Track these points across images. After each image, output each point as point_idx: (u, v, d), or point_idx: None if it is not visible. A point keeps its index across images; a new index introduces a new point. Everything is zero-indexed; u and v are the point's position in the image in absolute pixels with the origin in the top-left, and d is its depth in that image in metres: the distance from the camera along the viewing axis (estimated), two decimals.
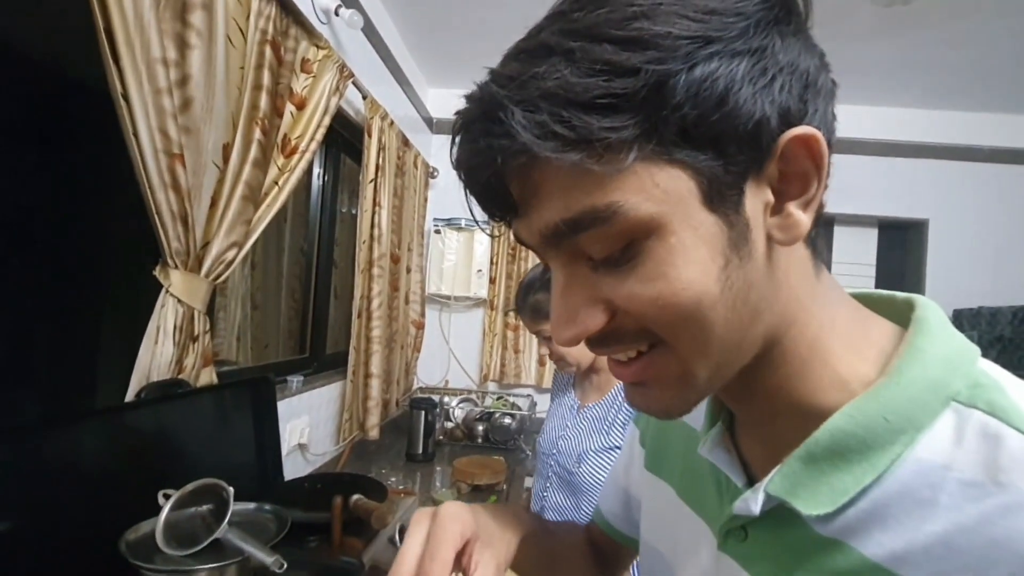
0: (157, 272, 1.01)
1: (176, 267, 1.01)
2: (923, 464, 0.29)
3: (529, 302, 1.20)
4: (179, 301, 1.03)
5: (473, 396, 2.78)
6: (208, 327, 1.12)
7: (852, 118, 2.71)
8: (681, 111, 0.26)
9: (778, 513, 0.32)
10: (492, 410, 2.53)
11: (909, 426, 0.29)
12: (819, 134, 0.28)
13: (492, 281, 2.81)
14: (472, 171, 0.31)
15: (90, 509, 0.83)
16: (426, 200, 2.72)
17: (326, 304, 2.03)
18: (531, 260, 2.79)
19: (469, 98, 0.30)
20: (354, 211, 2.28)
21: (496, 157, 0.28)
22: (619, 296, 0.29)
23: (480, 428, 2.50)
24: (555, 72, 0.26)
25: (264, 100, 1.19)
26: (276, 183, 1.30)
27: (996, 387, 0.30)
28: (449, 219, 2.77)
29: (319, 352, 2.00)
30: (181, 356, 1.05)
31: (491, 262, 2.80)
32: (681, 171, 0.27)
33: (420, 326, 2.63)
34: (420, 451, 2.19)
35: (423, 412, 2.19)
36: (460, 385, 2.86)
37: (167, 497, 0.79)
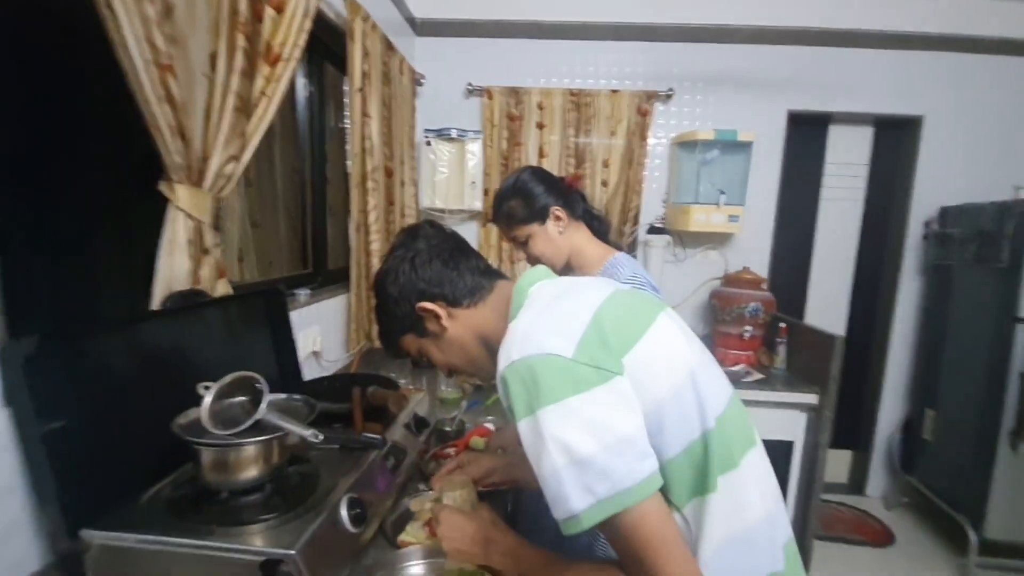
0: (162, 187, 1.04)
1: (180, 182, 1.04)
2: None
3: (503, 210, 1.25)
4: (188, 216, 1.07)
5: None
6: (218, 241, 1.17)
7: (847, 9, 2.59)
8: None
9: None
10: None
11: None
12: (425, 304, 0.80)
13: (486, 193, 2.81)
14: None
15: (136, 406, 0.92)
16: (414, 110, 2.66)
17: (323, 220, 2.06)
18: None
19: None
20: (342, 124, 2.24)
21: None
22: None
23: None
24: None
25: (243, 3, 1.15)
26: (264, 94, 1.28)
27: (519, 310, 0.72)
28: (439, 130, 2.71)
29: (321, 267, 2.06)
30: (196, 268, 1.11)
31: (484, 173, 2.79)
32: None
33: None
34: (420, 358, 2.32)
35: None
36: None
37: (207, 388, 0.88)
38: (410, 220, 2.56)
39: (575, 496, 0.55)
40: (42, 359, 0.76)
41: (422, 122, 2.74)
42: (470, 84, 2.78)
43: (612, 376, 0.58)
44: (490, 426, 1.59)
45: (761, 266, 2.83)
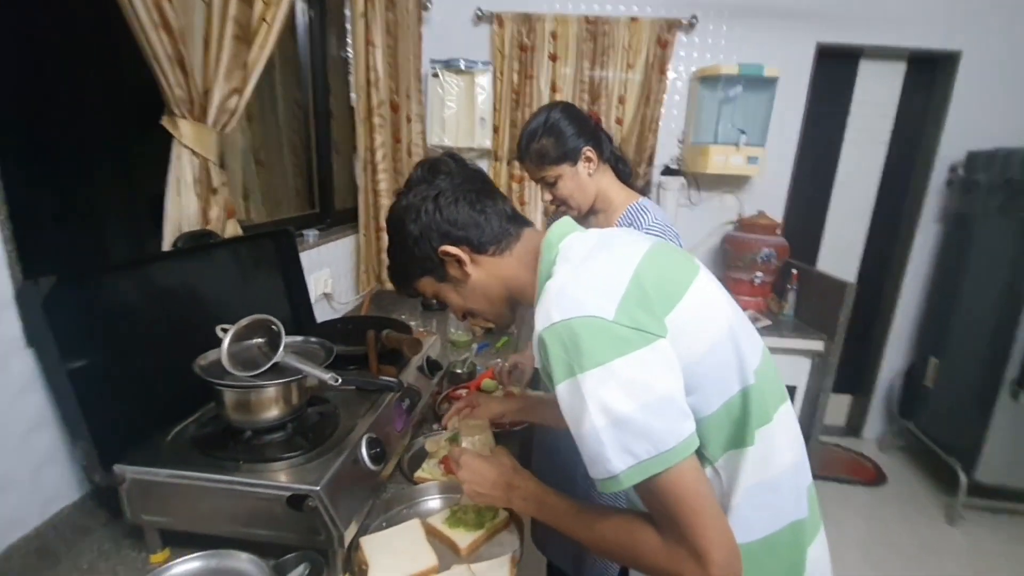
0: (165, 122, 0.99)
1: (183, 116, 0.99)
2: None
3: (533, 148, 1.20)
4: (193, 153, 1.03)
5: None
6: (225, 179, 1.13)
7: None
8: None
9: None
10: None
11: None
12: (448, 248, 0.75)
13: (496, 130, 2.71)
14: None
15: (155, 345, 0.93)
16: (420, 38, 2.51)
17: (328, 157, 2.00)
18: (535, 106, 2.67)
19: None
20: (344, 54, 2.12)
21: None
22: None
23: None
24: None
25: None
26: (264, 19, 1.20)
27: (553, 266, 0.68)
28: (447, 60, 2.57)
29: (328, 208, 2.03)
30: (204, 208, 1.08)
31: (494, 108, 2.67)
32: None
33: None
34: (434, 300, 2.33)
35: None
36: None
37: (225, 331, 0.88)
38: (417, 159, 2.48)
39: (615, 457, 0.56)
40: (61, 299, 0.75)
41: (428, 52, 2.59)
42: (479, 10, 2.61)
43: (655, 338, 0.57)
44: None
45: (776, 210, 2.76)
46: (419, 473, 1.09)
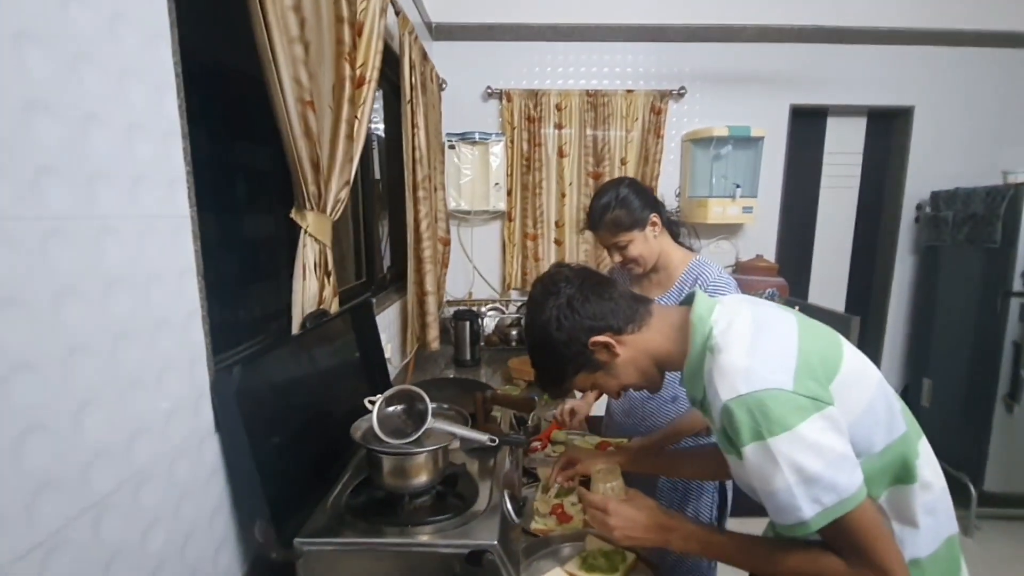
0: (294, 215, 1.10)
1: (312, 208, 1.10)
2: (706, 374, 0.78)
3: (607, 219, 1.35)
4: (315, 240, 1.13)
5: (499, 305, 2.98)
6: (332, 262, 1.23)
7: (844, 7, 2.77)
8: None
9: (699, 401, 0.83)
10: (524, 315, 2.75)
11: (701, 366, 0.80)
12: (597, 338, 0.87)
13: (509, 193, 2.90)
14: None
15: (302, 420, 0.99)
16: (440, 116, 2.71)
17: (373, 227, 2.11)
18: (544, 171, 2.88)
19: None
20: (379, 130, 2.28)
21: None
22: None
23: (513, 333, 2.74)
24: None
25: (347, 32, 1.20)
26: (357, 118, 1.34)
27: (714, 339, 0.79)
28: (463, 134, 2.78)
29: (373, 276, 2.12)
30: (321, 289, 1.17)
31: (507, 174, 2.87)
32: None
33: (446, 243, 2.74)
34: (468, 357, 2.41)
35: (467, 322, 2.39)
36: (483, 296, 3.05)
37: (372, 402, 0.96)
38: (441, 223, 2.62)
39: (806, 506, 0.68)
40: (246, 386, 0.82)
41: (445, 126, 2.79)
42: (489, 87, 2.84)
43: (825, 406, 0.70)
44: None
45: (769, 252, 3.00)
46: (534, 525, 1.15)
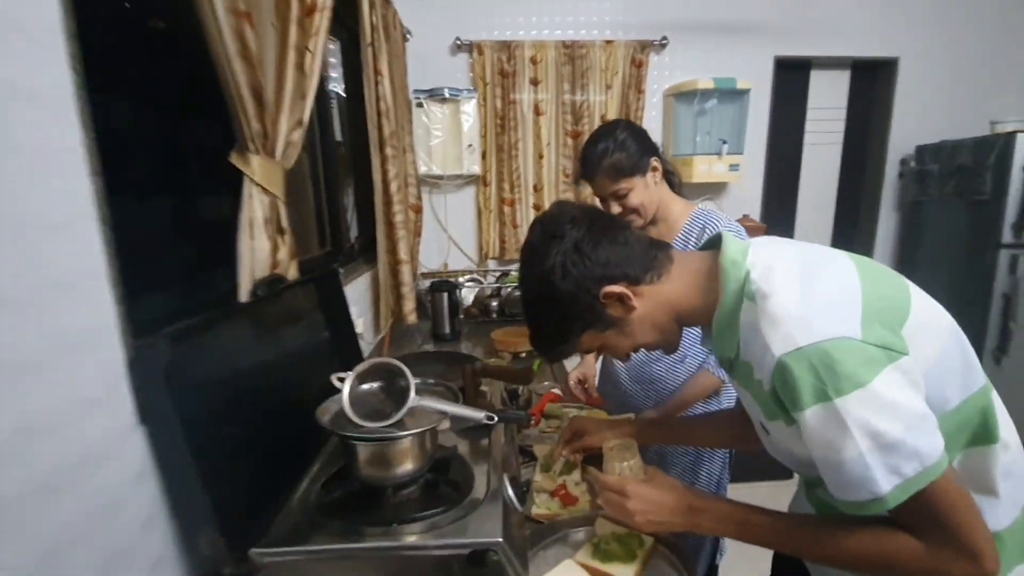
0: (234, 158, 0.90)
1: (255, 152, 0.91)
2: (744, 327, 0.66)
3: (606, 164, 1.19)
4: (264, 191, 0.94)
5: (476, 276, 2.82)
6: (288, 219, 1.04)
7: None
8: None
9: (729, 360, 0.71)
10: (503, 285, 2.59)
11: (735, 317, 0.67)
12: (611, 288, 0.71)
13: (483, 155, 2.70)
14: None
15: (252, 403, 0.82)
16: (406, 69, 2.47)
17: (338, 192, 1.91)
18: (520, 130, 2.69)
19: None
20: (338, 88, 2.05)
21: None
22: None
23: (494, 304, 2.58)
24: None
25: None
26: (308, 48, 1.13)
27: (753, 284, 0.65)
28: (431, 90, 2.55)
29: (340, 245, 1.92)
30: (274, 251, 0.99)
31: (480, 135, 2.66)
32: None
33: (418, 209, 2.54)
34: (448, 330, 2.25)
35: (445, 294, 2.22)
36: (459, 266, 2.87)
37: (342, 379, 0.79)
38: (412, 188, 2.42)
39: (882, 479, 0.55)
40: (177, 364, 0.65)
41: (411, 82, 2.56)
42: (458, 39, 2.62)
43: (899, 356, 0.57)
44: (556, 391, 1.57)
45: (754, 212, 2.91)
46: (536, 510, 1.02)
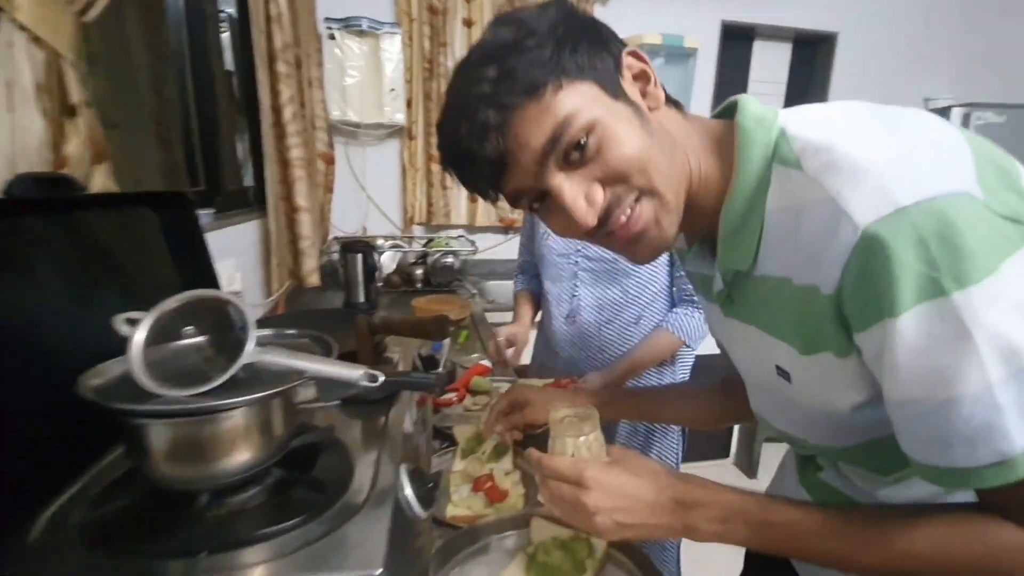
0: None
1: None
2: (771, 218, 0.45)
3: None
4: (35, 41, 0.60)
5: (400, 242, 2.50)
6: (89, 99, 0.70)
7: None
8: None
9: (735, 277, 0.50)
10: (431, 250, 2.30)
11: (759, 201, 0.46)
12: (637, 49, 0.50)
13: (408, 104, 2.38)
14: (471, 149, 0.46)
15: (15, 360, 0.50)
16: None
17: (215, 123, 1.53)
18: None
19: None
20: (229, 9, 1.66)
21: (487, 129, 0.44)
22: (605, 171, 0.46)
23: (419, 272, 2.28)
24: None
25: None
26: None
27: (794, 140, 0.44)
28: (346, 19, 2.18)
29: (217, 185, 1.55)
30: (56, 137, 0.65)
31: (405, 80, 2.33)
32: (589, 82, 0.45)
33: (330, 160, 2.19)
34: (363, 299, 1.92)
35: (359, 255, 1.89)
36: (381, 231, 2.54)
37: (133, 322, 0.49)
38: (321, 133, 2.06)
39: (1017, 428, 0.34)
40: None
41: (321, 9, 2.18)
42: None
43: None
44: (485, 363, 1.32)
45: None
46: (452, 511, 0.77)
